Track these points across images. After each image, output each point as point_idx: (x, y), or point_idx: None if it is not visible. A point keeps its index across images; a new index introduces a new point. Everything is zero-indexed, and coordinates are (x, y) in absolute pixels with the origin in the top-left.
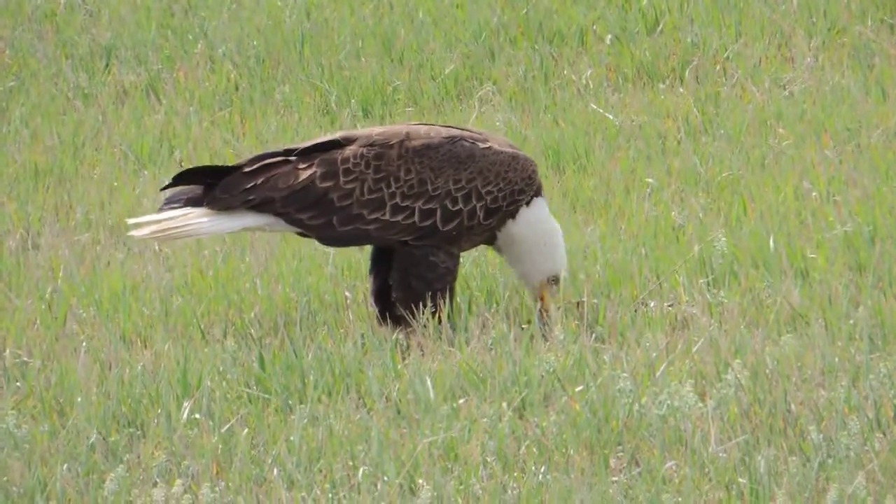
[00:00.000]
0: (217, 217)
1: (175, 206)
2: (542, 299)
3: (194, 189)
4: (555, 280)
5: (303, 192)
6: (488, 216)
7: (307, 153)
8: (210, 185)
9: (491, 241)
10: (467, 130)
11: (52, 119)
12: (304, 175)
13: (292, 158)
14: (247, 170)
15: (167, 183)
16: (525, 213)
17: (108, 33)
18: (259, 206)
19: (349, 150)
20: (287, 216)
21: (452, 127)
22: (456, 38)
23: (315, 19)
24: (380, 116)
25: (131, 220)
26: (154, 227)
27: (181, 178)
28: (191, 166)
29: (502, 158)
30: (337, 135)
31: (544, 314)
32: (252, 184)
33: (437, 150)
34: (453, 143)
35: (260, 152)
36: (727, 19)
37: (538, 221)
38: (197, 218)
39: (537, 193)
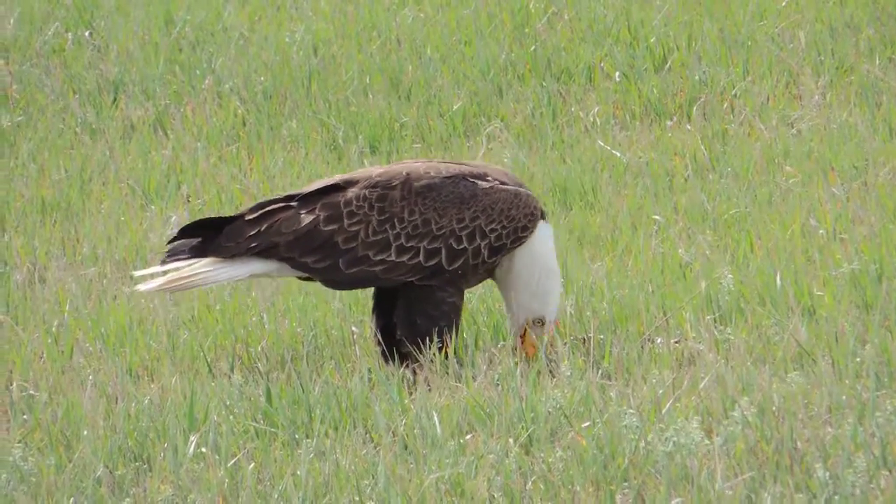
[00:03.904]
0: (223, 265)
1: (179, 257)
2: (521, 337)
3: (195, 240)
4: (540, 322)
5: (307, 236)
6: (492, 254)
7: (308, 198)
8: (211, 235)
9: (483, 280)
10: (466, 165)
11: (60, 154)
12: (308, 219)
13: (294, 204)
14: (249, 217)
15: (172, 237)
16: (528, 241)
17: (115, 68)
18: (264, 252)
19: (352, 192)
20: (292, 260)
21: (450, 162)
22: (464, 74)
23: (322, 55)
24: (387, 153)
25: (137, 273)
26: (161, 280)
27: (186, 232)
28: (195, 206)
29: (505, 196)
30: (336, 178)
31: (521, 351)
32: (256, 230)
33: (440, 190)
34: (456, 183)
35: (261, 199)
36: (735, 57)
37: (536, 255)
38: (203, 267)
39: (542, 217)
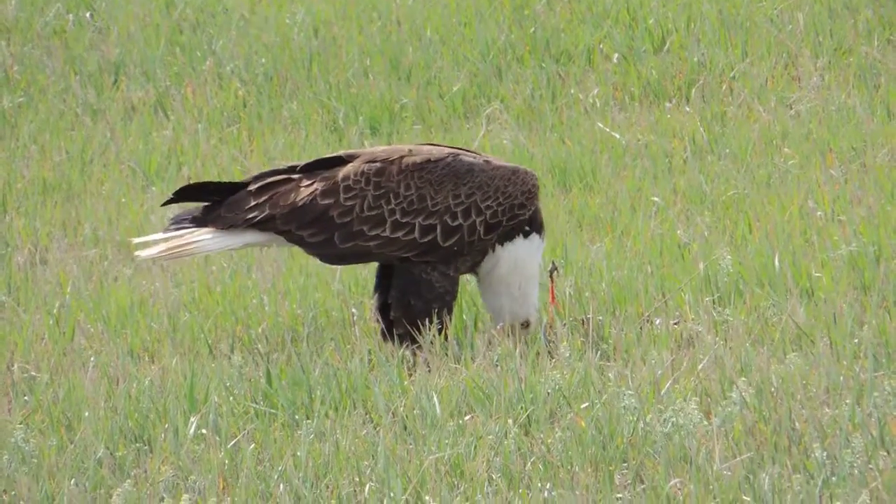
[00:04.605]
0: (220, 234)
1: (180, 225)
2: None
3: (199, 208)
4: (526, 325)
5: (303, 210)
6: (489, 231)
7: (310, 170)
8: (214, 203)
9: (476, 267)
10: (472, 151)
11: (61, 135)
12: (306, 192)
13: (296, 176)
14: (251, 188)
15: (169, 198)
16: (517, 244)
17: (116, 50)
18: (261, 224)
19: (350, 167)
20: (288, 234)
21: (460, 149)
22: (463, 56)
23: (323, 37)
24: (387, 134)
25: (136, 240)
26: (160, 247)
27: (182, 194)
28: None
29: (502, 173)
30: (341, 152)
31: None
32: (256, 202)
33: (436, 166)
34: (453, 158)
35: (265, 170)
36: (734, 39)
37: (523, 262)
38: (201, 236)
39: (538, 231)
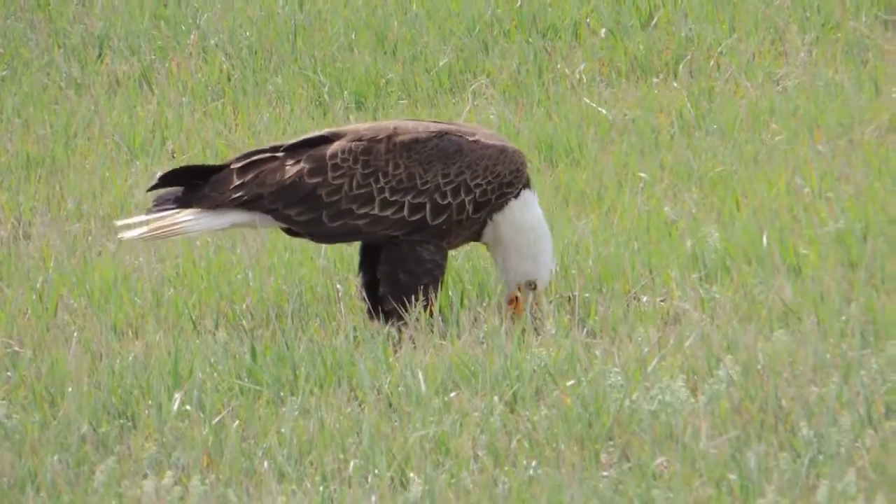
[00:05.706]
0: (206, 214)
1: (164, 207)
2: (513, 302)
3: (182, 190)
4: (531, 286)
5: (291, 188)
6: (477, 209)
7: (295, 149)
8: (196, 184)
9: (477, 236)
10: (455, 125)
11: (45, 109)
12: (292, 171)
13: (280, 154)
14: (235, 167)
15: (154, 184)
16: (512, 208)
17: (100, 23)
18: (247, 203)
19: (337, 145)
20: (275, 213)
21: (440, 122)
22: (450, 30)
23: (308, 11)
24: (373, 109)
25: (120, 222)
26: (144, 229)
27: (167, 179)
28: (181, 162)
29: (490, 152)
30: (324, 131)
31: (515, 316)
32: (241, 181)
33: (424, 145)
34: (441, 137)
35: (248, 150)
36: (721, 14)
37: (524, 220)
38: (186, 216)
39: (526, 185)
